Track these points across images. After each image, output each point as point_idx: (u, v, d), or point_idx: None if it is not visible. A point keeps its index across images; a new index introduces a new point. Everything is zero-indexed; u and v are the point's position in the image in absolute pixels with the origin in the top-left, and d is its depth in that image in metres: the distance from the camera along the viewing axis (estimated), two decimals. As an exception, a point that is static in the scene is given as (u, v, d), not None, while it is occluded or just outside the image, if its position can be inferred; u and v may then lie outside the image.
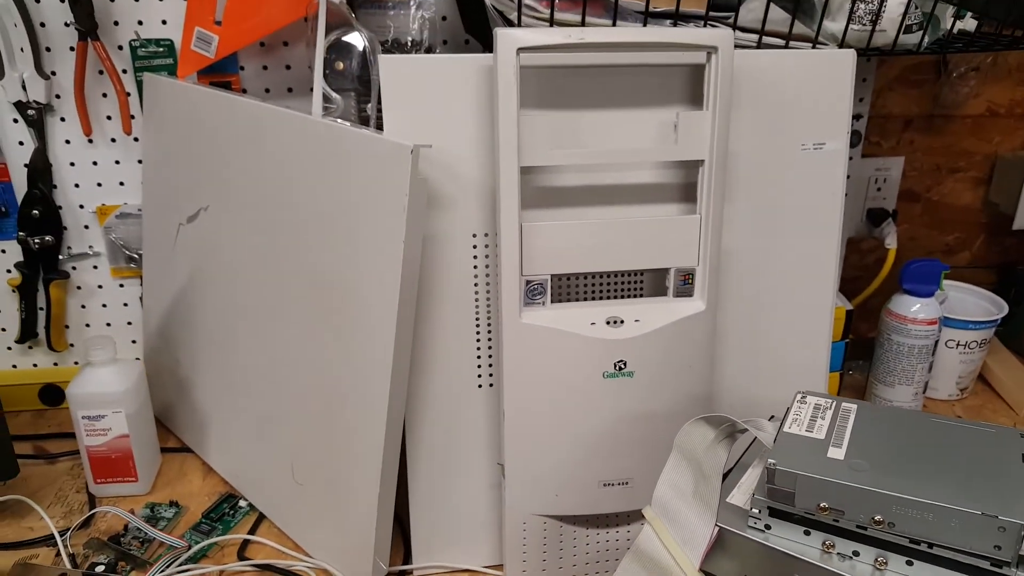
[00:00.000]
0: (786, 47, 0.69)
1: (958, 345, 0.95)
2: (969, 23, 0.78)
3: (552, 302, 0.64)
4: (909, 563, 0.46)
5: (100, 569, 0.70)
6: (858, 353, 1.06)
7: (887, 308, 0.91)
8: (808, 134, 0.68)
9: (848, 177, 1.01)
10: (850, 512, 0.46)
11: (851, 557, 0.47)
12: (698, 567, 0.49)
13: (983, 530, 0.43)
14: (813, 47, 0.69)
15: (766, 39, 0.69)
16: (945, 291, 0.93)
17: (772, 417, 0.61)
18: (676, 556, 0.49)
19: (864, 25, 0.69)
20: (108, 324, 0.97)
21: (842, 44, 0.70)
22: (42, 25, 0.84)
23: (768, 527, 0.49)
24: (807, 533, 0.48)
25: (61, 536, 0.74)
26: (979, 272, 1.16)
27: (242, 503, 0.80)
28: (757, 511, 0.49)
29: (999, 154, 1.10)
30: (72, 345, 0.99)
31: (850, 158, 1.01)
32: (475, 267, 0.65)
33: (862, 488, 0.45)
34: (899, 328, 0.89)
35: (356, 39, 0.77)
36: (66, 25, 0.84)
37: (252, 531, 0.77)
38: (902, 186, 1.10)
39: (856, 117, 0.99)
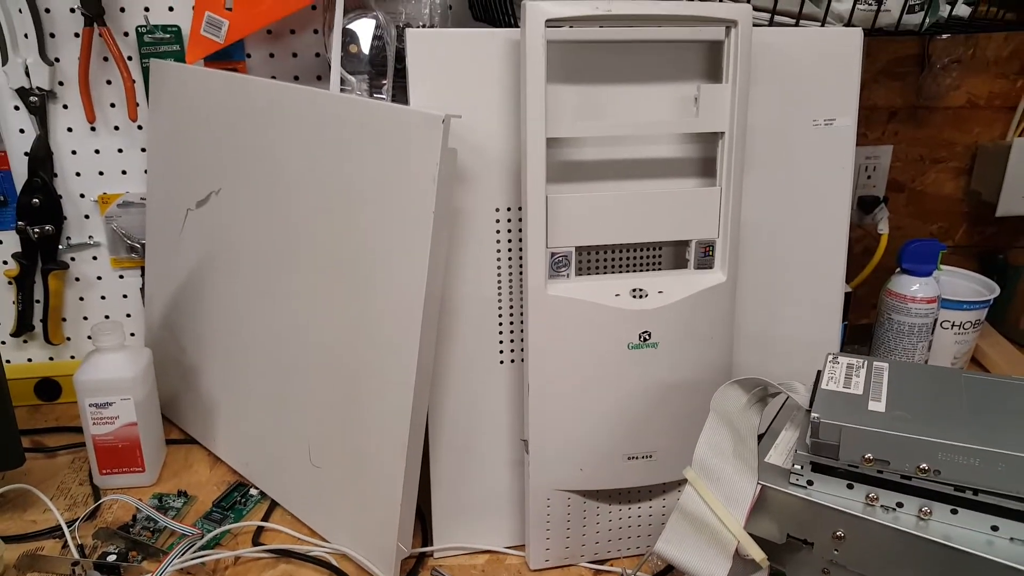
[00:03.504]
0: (796, 26, 0.71)
1: (953, 326, 0.98)
2: (961, 9, 0.80)
3: (576, 275, 0.64)
4: (954, 511, 0.47)
5: (111, 559, 0.68)
6: (853, 340, 1.09)
7: (887, 288, 0.93)
8: (819, 110, 0.70)
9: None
10: (895, 462, 0.47)
11: (895, 509, 0.48)
12: (743, 525, 0.49)
13: (1027, 472, 0.44)
14: (822, 26, 0.71)
15: (777, 18, 0.71)
16: (938, 272, 0.96)
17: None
18: (721, 515, 0.49)
19: (870, 5, 0.71)
20: (106, 316, 0.96)
21: (848, 23, 0.72)
22: (47, 11, 0.83)
23: (811, 483, 0.50)
24: (850, 487, 0.49)
25: (68, 527, 0.72)
26: (963, 259, 1.19)
27: (253, 491, 0.79)
28: (799, 467, 0.50)
29: (979, 144, 1.13)
30: (69, 339, 0.97)
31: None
32: (498, 242, 0.66)
33: (907, 436, 0.46)
34: (899, 307, 0.91)
35: (369, 24, 0.77)
36: (72, 11, 0.83)
37: (265, 519, 0.75)
38: (888, 176, 1.13)
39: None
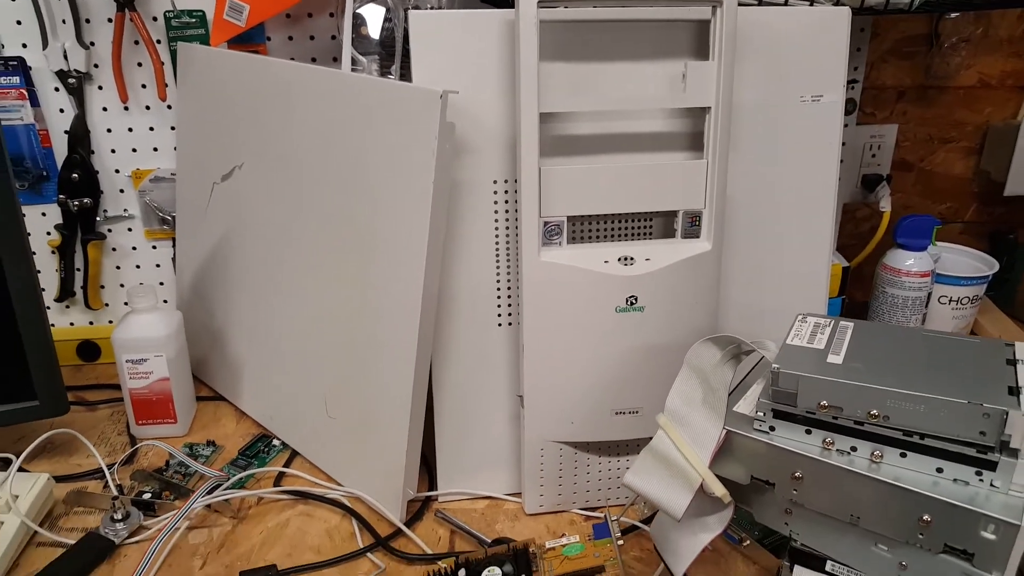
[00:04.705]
0: (785, 4, 0.74)
1: (951, 301, 1.00)
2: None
3: (568, 243, 0.68)
4: (903, 455, 0.50)
5: (147, 496, 0.75)
6: (852, 315, 1.11)
7: (882, 263, 0.96)
8: (807, 87, 0.73)
9: (843, 144, 1.06)
10: (848, 408, 0.51)
11: (849, 452, 0.52)
12: (708, 464, 0.53)
13: (969, 418, 0.48)
14: (811, 5, 0.74)
15: (767, -1, 0.74)
16: (938, 250, 0.98)
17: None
18: (687, 454, 0.54)
19: (858, -15, 0.74)
20: (141, 284, 1.02)
21: (837, 2, 0.74)
22: (83, -3, 0.89)
23: (772, 428, 0.54)
24: (808, 432, 0.53)
25: (109, 469, 0.78)
26: (972, 239, 1.20)
27: (275, 442, 0.85)
28: (762, 414, 0.54)
29: (990, 124, 1.14)
30: (107, 304, 1.04)
31: (845, 125, 1.06)
32: (496, 212, 0.70)
33: (859, 385, 0.50)
34: (893, 281, 0.94)
35: (379, 8, 0.82)
36: (105, -3, 0.89)
37: (286, 466, 0.81)
38: (896, 156, 1.14)
39: (851, 83, 1.04)
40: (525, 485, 0.74)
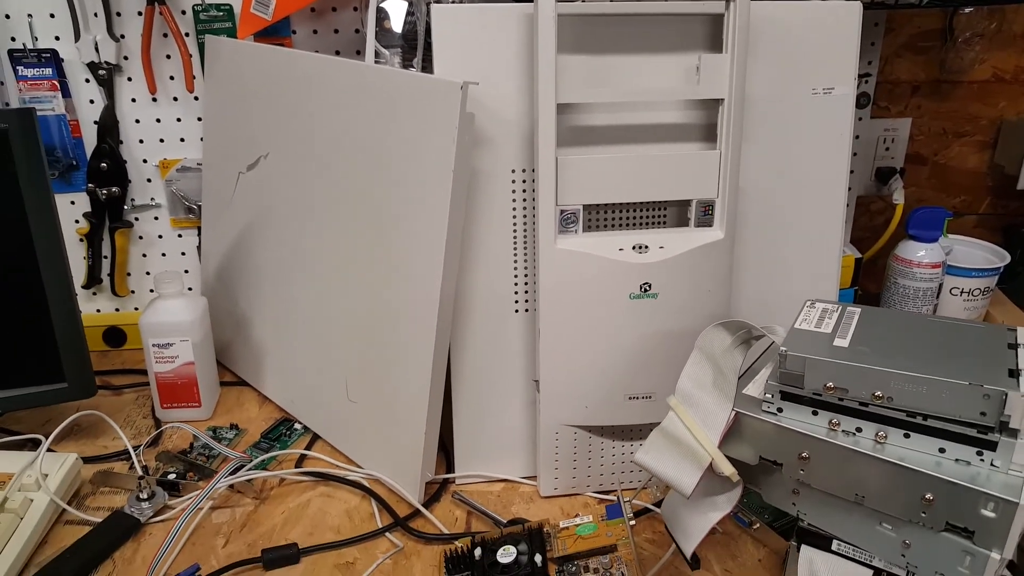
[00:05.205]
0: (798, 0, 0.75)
1: (962, 292, 1.01)
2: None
3: (584, 231, 0.70)
4: (906, 436, 0.52)
5: (171, 477, 0.78)
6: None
7: (894, 254, 0.97)
8: (818, 79, 0.74)
9: (857, 137, 1.07)
10: (853, 390, 0.52)
11: (854, 433, 0.53)
12: (717, 444, 0.55)
13: (970, 399, 0.49)
14: (822, 0, 0.75)
15: (780, -7, 0.75)
16: (950, 242, 0.99)
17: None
18: (697, 435, 0.55)
19: (870, -20, 0.75)
20: (167, 271, 1.05)
21: (850, -3, 0.76)
22: (114, -9, 0.92)
23: (780, 410, 0.56)
24: (815, 413, 0.55)
25: (135, 450, 0.81)
26: (986, 232, 1.21)
27: (297, 426, 0.88)
28: (770, 396, 0.56)
29: (1004, 118, 1.15)
30: (133, 292, 1.07)
31: (859, 119, 1.07)
32: (514, 200, 0.72)
33: (863, 367, 0.52)
34: (905, 272, 0.95)
35: (402, 1, 0.84)
36: (136, -9, 0.92)
37: (308, 449, 0.84)
38: (910, 149, 1.15)
39: (864, 76, 1.05)
40: (540, 468, 0.76)
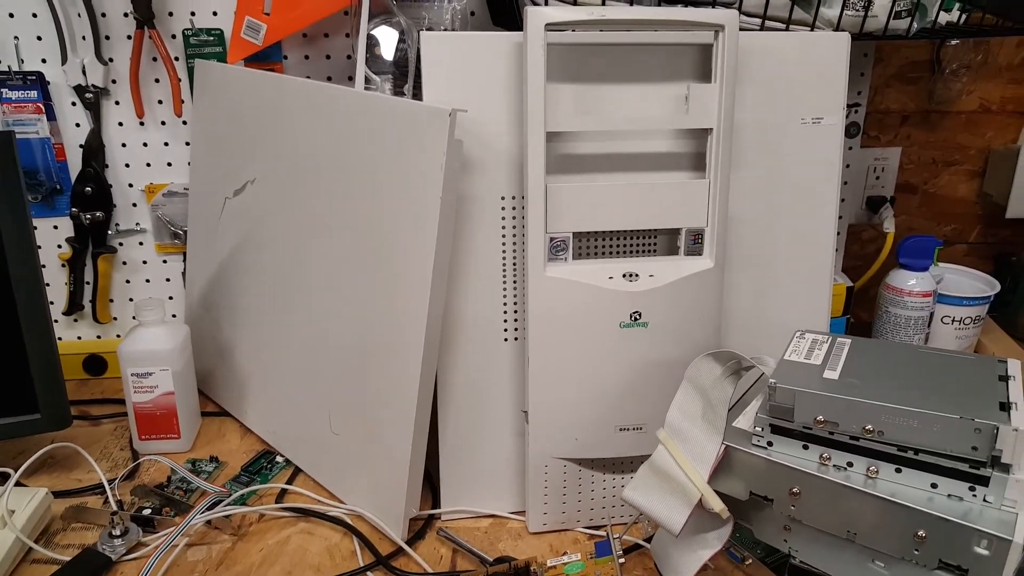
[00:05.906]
0: (786, 31, 0.75)
1: (953, 321, 1.01)
2: (955, 15, 0.84)
3: (573, 259, 0.69)
4: (898, 471, 0.51)
5: (146, 513, 0.75)
6: (856, 335, 1.11)
7: (885, 283, 0.96)
8: (807, 109, 0.74)
9: (847, 166, 1.08)
10: (844, 423, 0.51)
11: (846, 468, 0.52)
12: (707, 480, 0.54)
13: (961, 433, 0.48)
14: (811, 31, 0.76)
15: (768, 23, 0.75)
16: (941, 270, 0.99)
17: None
18: (687, 470, 0.54)
19: (857, 11, 0.75)
20: (149, 298, 1.03)
21: (837, 28, 0.76)
22: (103, 15, 0.92)
23: (770, 443, 0.55)
24: (805, 447, 0.54)
25: (109, 484, 0.79)
26: (976, 261, 1.21)
27: (279, 458, 0.86)
28: (760, 429, 0.55)
29: (992, 147, 1.16)
30: (115, 318, 1.05)
31: (849, 148, 1.07)
32: (503, 227, 0.71)
33: (854, 400, 0.51)
34: (896, 300, 0.94)
35: (393, 29, 0.84)
36: (125, 15, 0.91)
37: (289, 483, 0.82)
38: (900, 178, 1.15)
39: (855, 106, 1.05)
40: (529, 503, 0.74)
